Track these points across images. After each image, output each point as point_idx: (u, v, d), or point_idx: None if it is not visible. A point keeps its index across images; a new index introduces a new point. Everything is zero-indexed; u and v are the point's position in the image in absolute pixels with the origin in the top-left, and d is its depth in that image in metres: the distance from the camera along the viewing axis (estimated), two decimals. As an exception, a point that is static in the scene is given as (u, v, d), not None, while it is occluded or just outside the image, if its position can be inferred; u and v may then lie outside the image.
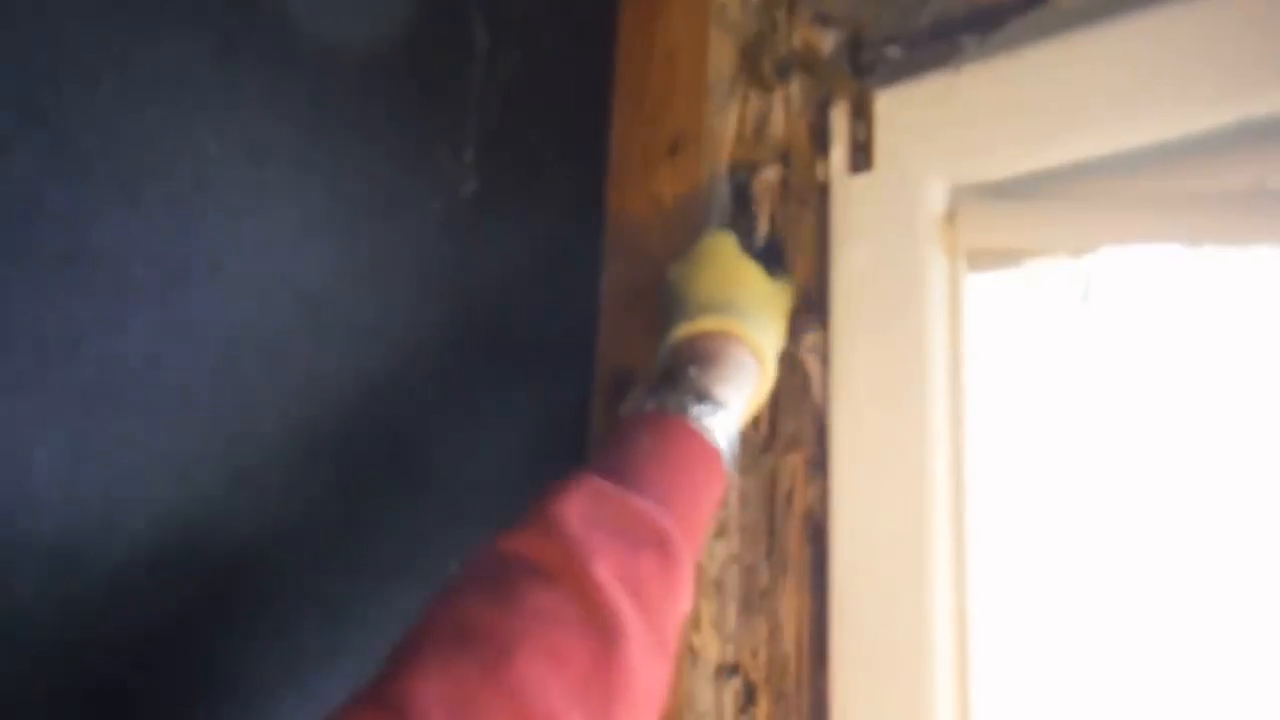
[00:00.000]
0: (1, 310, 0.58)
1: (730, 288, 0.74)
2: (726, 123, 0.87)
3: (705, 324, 0.71)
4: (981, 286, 0.72)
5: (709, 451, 0.64)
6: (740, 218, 0.85)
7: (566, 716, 0.47)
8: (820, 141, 0.81)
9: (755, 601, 0.79)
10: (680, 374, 0.68)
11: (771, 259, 0.80)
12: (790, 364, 0.80)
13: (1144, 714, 0.66)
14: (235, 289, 0.69)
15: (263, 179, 0.71)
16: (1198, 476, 0.66)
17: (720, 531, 0.82)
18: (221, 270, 0.68)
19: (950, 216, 0.72)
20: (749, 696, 0.78)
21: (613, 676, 0.49)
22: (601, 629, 0.50)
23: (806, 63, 0.82)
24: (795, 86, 0.84)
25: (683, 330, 0.72)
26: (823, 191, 0.81)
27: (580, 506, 0.55)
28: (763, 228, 0.84)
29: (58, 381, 0.60)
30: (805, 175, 0.83)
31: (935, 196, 0.73)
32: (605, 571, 0.52)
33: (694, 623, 0.81)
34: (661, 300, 0.78)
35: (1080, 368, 0.71)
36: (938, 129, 0.73)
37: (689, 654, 0.81)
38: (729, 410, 0.66)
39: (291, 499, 0.70)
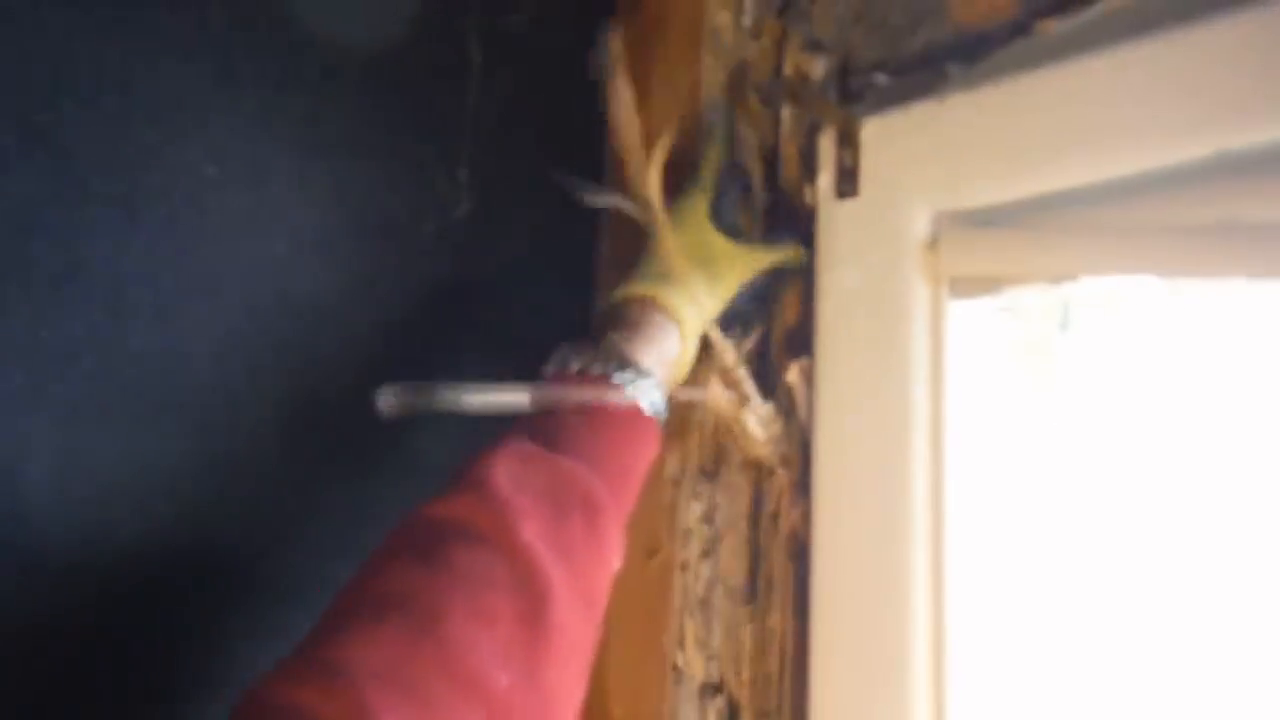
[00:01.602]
0: (-1, 326, 0.60)
1: (676, 254, 0.75)
2: (718, 146, 0.88)
3: (633, 289, 0.73)
4: (963, 313, 0.73)
5: (632, 409, 0.66)
6: (732, 169, 0.85)
7: (494, 674, 0.49)
8: (809, 166, 0.82)
9: (739, 621, 0.80)
10: (602, 338, 0.70)
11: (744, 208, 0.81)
12: (776, 387, 0.81)
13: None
14: (231, 308, 0.70)
15: (259, 199, 0.72)
16: (1173, 501, 0.67)
17: (705, 551, 0.83)
18: (218, 289, 0.69)
19: (933, 243, 0.73)
20: (732, 715, 0.79)
21: (539, 635, 0.51)
22: (529, 589, 0.52)
23: (794, 90, 0.83)
24: (786, 111, 0.85)
25: (615, 294, 0.74)
26: (810, 215, 0.82)
27: (508, 470, 0.57)
28: (755, 185, 0.85)
29: (53, 396, 0.61)
30: (795, 198, 0.84)
31: (919, 223, 0.74)
32: (532, 533, 0.54)
33: (679, 641, 0.82)
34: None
35: (1059, 394, 0.71)
36: (922, 156, 0.74)
37: (673, 672, 0.82)
38: (650, 378, 0.68)
39: (282, 515, 0.72)
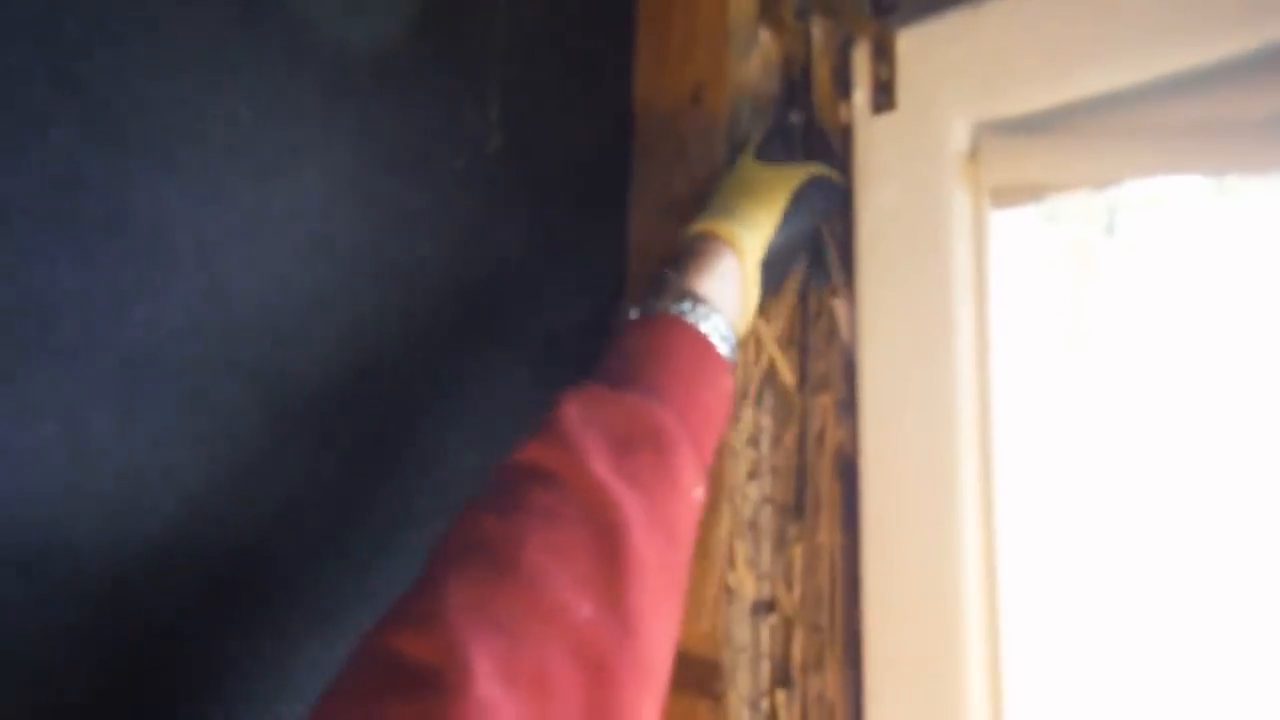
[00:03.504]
0: (49, 278, 0.60)
1: (726, 190, 0.78)
2: (748, 67, 0.87)
3: (689, 229, 0.75)
4: (1005, 222, 0.73)
5: (696, 338, 0.67)
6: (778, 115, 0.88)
7: (575, 606, 0.51)
8: (843, 83, 0.81)
9: (789, 539, 0.81)
10: (661, 278, 0.72)
11: (786, 145, 0.82)
12: (818, 306, 0.81)
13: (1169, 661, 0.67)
14: (271, 251, 0.70)
15: (292, 141, 0.72)
16: (1223, 407, 0.66)
17: (753, 473, 0.84)
18: (257, 233, 0.70)
19: (973, 154, 0.72)
20: (785, 631, 0.80)
21: (616, 565, 0.53)
22: (602, 521, 0.54)
23: (826, 2, 0.82)
24: (817, 28, 0.84)
25: (677, 239, 0.76)
26: (846, 133, 0.81)
27: (577, 411, 0.59)
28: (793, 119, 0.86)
29: (105, 346, 0.62)
30: (829, 117, 0.83)
31: (958, 134, 0.73)
32: (602, 467, 0.56)
33: (730, 562, 0.83)
34: None
35: (1105, 301, 0.71)
36: (959, 66, 0.73)
37: (726, 592, 0.83)
38: (711, 304, 0.69)
39: (337, 452, 0.73)
